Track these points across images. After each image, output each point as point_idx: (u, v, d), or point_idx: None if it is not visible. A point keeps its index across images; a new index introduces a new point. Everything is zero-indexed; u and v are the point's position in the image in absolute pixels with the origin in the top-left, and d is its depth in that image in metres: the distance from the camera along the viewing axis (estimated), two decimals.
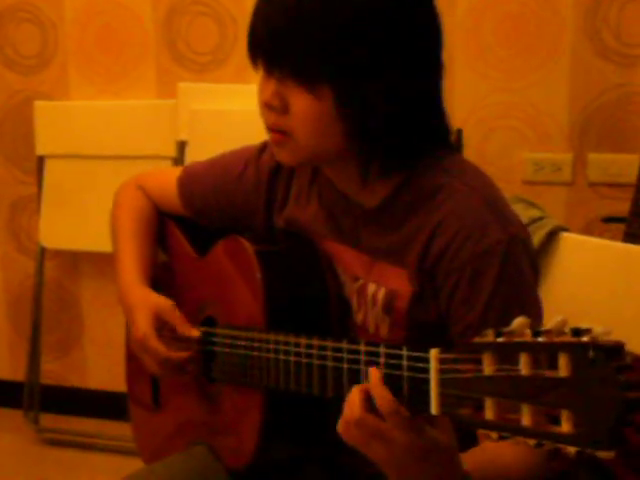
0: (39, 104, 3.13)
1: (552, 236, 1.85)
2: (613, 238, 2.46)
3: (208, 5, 3.00)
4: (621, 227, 2.42)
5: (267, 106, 1.29)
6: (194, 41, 3.04)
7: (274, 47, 1.24)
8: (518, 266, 1.25)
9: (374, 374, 1.06)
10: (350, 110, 1.24)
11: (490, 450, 1.19)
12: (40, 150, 3.15)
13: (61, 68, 3.16)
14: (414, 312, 1.30)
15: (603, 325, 0.80)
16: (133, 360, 1.65)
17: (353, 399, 1.06)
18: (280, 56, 1.25)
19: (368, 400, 1.05)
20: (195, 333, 1.48)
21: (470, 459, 1.11)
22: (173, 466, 1.54)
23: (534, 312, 1.26)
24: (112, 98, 3.12)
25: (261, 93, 1.30)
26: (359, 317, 1.38)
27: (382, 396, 1.04)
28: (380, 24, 1.22)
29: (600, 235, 2.64)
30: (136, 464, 1.70)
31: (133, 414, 1.79)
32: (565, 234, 1.84)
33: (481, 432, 1.18)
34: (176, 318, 1.50)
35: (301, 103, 1.25)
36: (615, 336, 0.79)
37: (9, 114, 3.26)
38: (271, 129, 1.31)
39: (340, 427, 1.07)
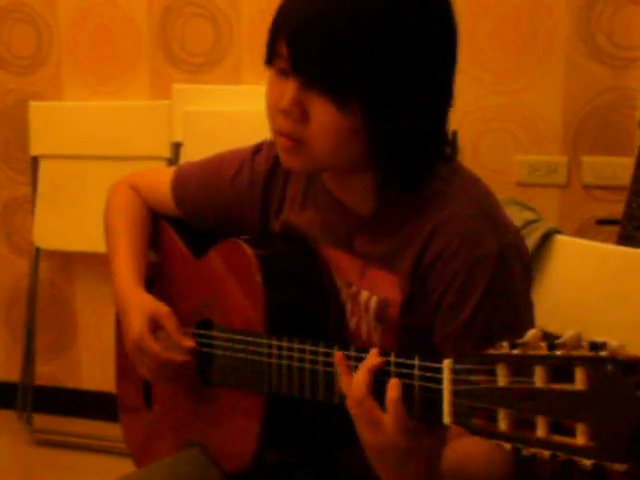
0: (33, 104, 3.13)
1: (546, 238, 1.85)
2: (607, 240, 2.48)
3: (202, 6, 3.00)
4: (615, 229, 2.43)
5: (283, 113, 1.24)
6: (189, 42, 3.03)
7: (307, 54, 1.19)
8: (509, 276, 1.25)
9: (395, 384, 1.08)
10: (377, 127, 1.21)
11: (459, 450, 1.19)
12: (34, 150, 3.15)
13: (55, 68, 3.16)
14: (406, 319, 1.30)
15: (610, 338, 0.81)
16: (124, 362, 1.64)
17: (359, 378, 1.11)
18: (312, 65, 1.19)
19: (372, 384, 1.10)
20: (189, 343, 1.46)
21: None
22: (166, 468, 1.53)
23: (519, 325, 1.21)
24: (106, 99, 3.12)
25: (275, 98, 1.25)
26: (352, 323, 1.38)
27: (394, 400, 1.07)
28: (417, 43, 1.20)
29: (594, 237, 2.64)
30: (129, 465, 1.70)
31: (123, 417, 1.78)
32: (559, 236, 1.85)
33: (454, 432, 1.20)
34: (172, 325, 1.48)
35: (325, 115, 1.20)
36: (609, 339, 0.80)
37: (3, 114, 3.25)
38: (283, 136, 1.27)
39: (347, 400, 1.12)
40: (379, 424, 1.07)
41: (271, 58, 1.24)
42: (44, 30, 3.14)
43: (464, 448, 1.19)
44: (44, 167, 3.15)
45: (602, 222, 2.67)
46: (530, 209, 2.11)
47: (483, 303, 1.23)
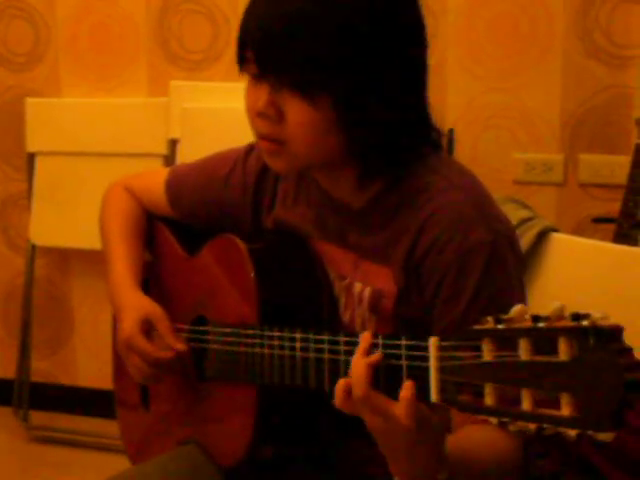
0: (30, 101, 3.13)
1: (542, 236, 1.85)
2: (603, 239, 2.47)
3: (200, 3, 3.00)
4: (611, 228, 2.43)
5: (260, 115, 1.26)
6: (186, 39, 3.04)
7: (272, 56, 1.22)
8: (502, 265, 1.26)
9: (409, 387, 1.04)
10: (348, 118, 1.23)
11: (463, 438, 1.19)
12: (31, 147, 3.15)
13: (53, 65, 3.16)
14: (400, 311, 1.31)
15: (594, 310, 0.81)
16: (121, 359, 1.64)
17: (360, 374, 1.06)
18: (278, 65, 1.22)
19: (372, 378, 1.06)
20: (181, 346, 1.47)
21: (449, 441, 1.12)
22: (163, 465, 1.53)
23: None
24: (104, 96, 3.12)
25: (252, 102, 1.28)
26: (346, 316, 1.38)
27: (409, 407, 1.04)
28: (377, 33, 1.22)
29: (590, 236, 2.64)
30: (126, 462, 1.71)
31: (120, 414, 1.78)
32: (555, 234, 1.84)
33: (457, 420, 1.20)
34: (165, 327, 1.49)
35: (298, 112, 1.23)
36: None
37: (0, 111, 3.25)
38: (264, 138, 1.29)
39: (340, 401, 1.08)
40: (388, 413, 1.05)
41: (242, 65, 1.28)
42: (41, 26, 3.14)
43: (468, 436, 1.20)
44: (40, 164, 3.15)
45: (598, 220, 2.67)
46: (526, 207, 2.11)
47: (479, 292, 1.24)
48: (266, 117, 1.26)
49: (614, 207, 2.46)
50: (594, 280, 1.72)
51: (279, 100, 1.24)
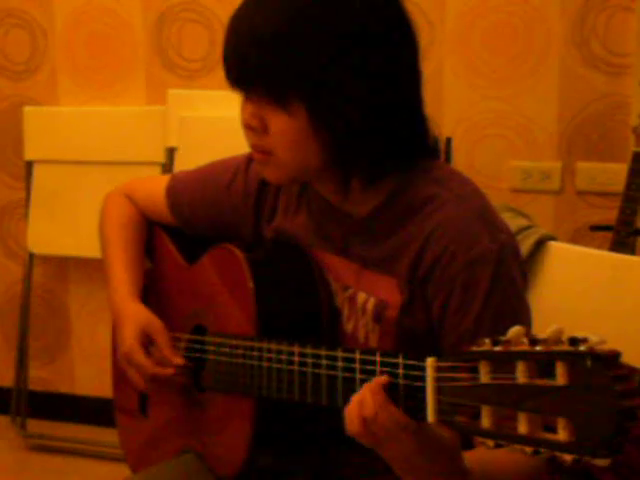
0: (28, 109, 3.13)
1: (540, 245, 1.85)
2: (601, 246, 2.48)
3: (198, 12, 3.00)
4: (609, 236, 2.44)
5: (247, 127, 1.30)
6: (184, 48, 3.04)
7: (244, 70, 1.26)
8: (509, 273, 1.27)
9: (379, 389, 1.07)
10: (324, 125, 1.25)
11: (485, 451, 1.19)
12: (29, 155, 3.15)
13: (50, 74, 3.16)
14: (404, 322, 1.31)
15: (591, 334, 0.81)
16: (119, 368, 1.64)
17: (366, 398, 1.07)
18: (250, 78, 1.26)
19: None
20: (179, 361, 1.47)
21: (471, 456, 1.13)
22: (162, 474, 1.54)
23: (525, 319, 1.28)
24: (102, 104, 3.12)
25: (242, 115, 1.32)
26: (349, 326, 1.38)
27: (387, 411, 1.05)
28: (347, 39, 1.23)
29: (588, 243, 2.65)
30: (124, 470, 1.71)
31: (119, 422, 1.78)
32: (553, 243, 1.84)
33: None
34: (163, 341, 1.49)
35: (278, 122, 1.26)
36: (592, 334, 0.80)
37: None
38: (253, 149, 1.33)
39: (354, 427, 1.08)
40: (401, 440, 1.06)
41: (232, 86, 1.31)
42: (39, 35, 3.15)
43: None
44: (38, 172, 3.15)
45: (596, 228, 2.67)
46: (524, 216, 2.11)
47: (489, 301, 1.25)
48: (252, 129, 1.30)
49: (611, 215, 2.46)
50: (591, 288, 1.72)
51: (262, 112, 1.27)
